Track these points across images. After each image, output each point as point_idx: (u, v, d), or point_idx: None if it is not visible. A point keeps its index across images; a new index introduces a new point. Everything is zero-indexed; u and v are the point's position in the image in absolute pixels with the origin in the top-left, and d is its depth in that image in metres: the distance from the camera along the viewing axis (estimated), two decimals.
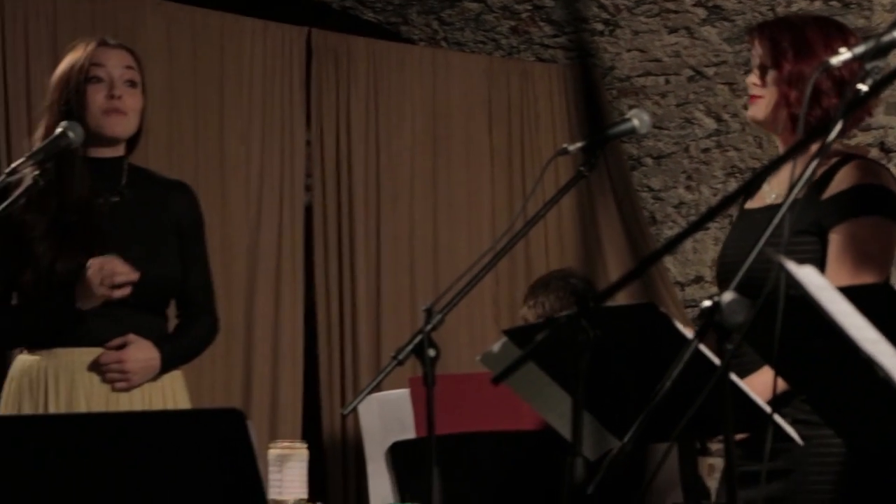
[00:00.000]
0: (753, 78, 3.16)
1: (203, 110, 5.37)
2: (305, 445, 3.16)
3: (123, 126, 3.54)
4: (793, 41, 3.09)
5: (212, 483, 2.52)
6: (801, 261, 1.89)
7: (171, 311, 3.68)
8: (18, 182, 3.28)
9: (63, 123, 3.41)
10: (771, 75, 3.12)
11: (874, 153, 5.71)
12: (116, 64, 3.55)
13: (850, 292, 1.84)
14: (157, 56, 5.20)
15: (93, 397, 3.48)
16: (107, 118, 3.52)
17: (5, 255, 3.52)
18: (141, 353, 3.48)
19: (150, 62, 5.13)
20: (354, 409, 2.80)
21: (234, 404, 5.12)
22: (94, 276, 3.40)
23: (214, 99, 5.40)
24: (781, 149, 3.19)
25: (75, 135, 3.39)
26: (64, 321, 3.47)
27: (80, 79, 3.51)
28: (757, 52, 3.15)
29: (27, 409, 3.47)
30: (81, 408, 3.45)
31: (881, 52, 2.23)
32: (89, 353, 3.48)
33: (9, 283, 3.54)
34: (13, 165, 3.30)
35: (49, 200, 3.48)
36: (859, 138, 5.71)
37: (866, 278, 3.00)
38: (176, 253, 3.59)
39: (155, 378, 3.53)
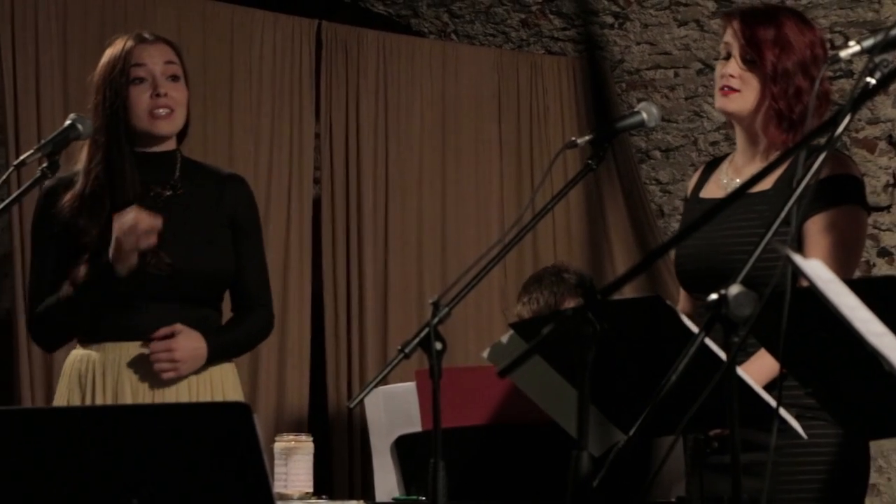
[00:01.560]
0: (732, 68, 3.13)
1: (212, 102, 5.36)
2: (311, 439, 3.16)
3: (171, 125, 3.53)
4: (775, 36, 3.09)
5: (218, 476, 2.52)
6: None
7: (226, 305, 3.66)
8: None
9: (71, 116, 3.41)
10: (753, 69, 3.11)
11: (882, 146, 5.69)
12: (157, 60, 3.52)
13: (856, 285, 1.83)
14: None
15: (139, 391, 3.48)
16: (154, 120, 3.51)
17: (58, 254, 3.52)
18: (189, 342, 3.47)
19: None
20: (361, 403, 2.80)
21: (240, 397, 5.12)
22: (117, 231, 3.38)
23: (224, 91, 5.39)
24: (742, 143, 3.20)
25: (84, 127, 3.39)
26: (116, 316, 3.46)
27: (122, 81, 3.49)
28: (736, 42, 3.13)
29: (76, 403, 3.47)
30: (128, 401, 3.45)
31: (890, 45, 2.22)
32: (137, 348, 3.48)
33: (60, 280, 3.52)
34: (22, 157, 3.31)
35: (102, 203, 3.48)
36: (867, 131, 5.70)
37: (844, 265, 3.02)
38: (230, 246, 3.57)
39: (201, 370, 3.51)
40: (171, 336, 3.46)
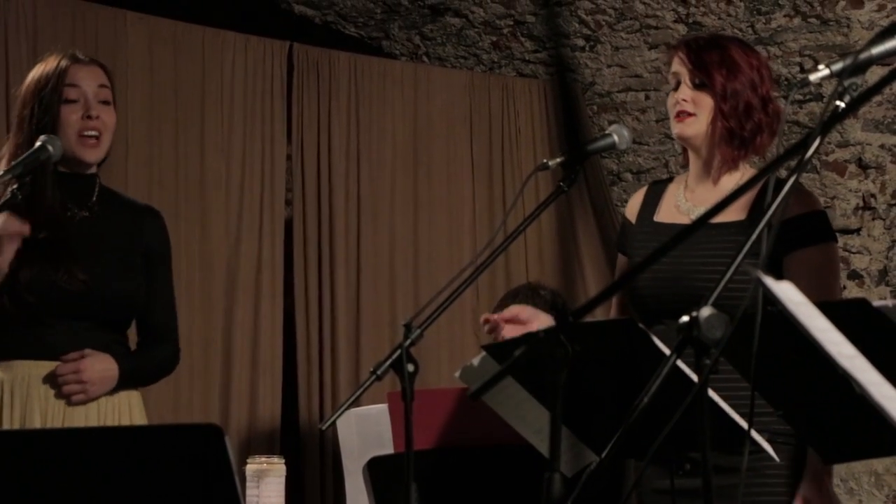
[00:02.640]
0: (685, 93, 3.20)
1: (184, 124, 5.35)
2: (283, 460, 3.14)
3: (97, 153, 3.52)
4: (721, 58, 3.17)
5: (189, 498, 2.51)
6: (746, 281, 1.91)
7: (132, 333, 3.64)
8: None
9: (42, 137, 3.39)
10: (704, 91, 3.17)
11: (852, 169, 5.72)
12: (91, 83, 3.51)
13: (827, 308, 1.84)
14: (138, 69, 5.19)
15: (48, 411, 3.44)
16: (81, 144, 3.49)
17: None
18: (99, 363, 3.44)
19: (130, 75, 5.13)
20: (333, 424, 2.79)
21: (212, 419, 5.10)
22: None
23: (195, 112, 5.39)
24: (696, 168, 3.24)
25: (54, 148, 3.37)
26: (24, 334, 3.43)
27: (54, 98, 3.47)
28: (684, 69, 3.21)
29: None
30: (36, 422, 3.41)
31: (859, 68, 2.24)
32: (46, 367, 3.45)
33: None
34: None
35: (20, 215, 3.45)
36: (837, 154, 5.73)
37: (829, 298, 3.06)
38: (142, 273, 3.56)
39: (112, 392, 3.49)
40: (80, 359, 3.44)
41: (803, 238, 3.11)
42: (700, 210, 3.19)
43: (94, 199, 3.56)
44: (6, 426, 3.41)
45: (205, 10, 5.77)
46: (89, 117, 3.48)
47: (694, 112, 3.19)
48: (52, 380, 3.45)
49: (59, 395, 3.45)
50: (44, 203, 3.46)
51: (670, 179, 3.37)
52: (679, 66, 3.22)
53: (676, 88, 3.23)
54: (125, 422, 3.49)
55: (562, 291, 5.83)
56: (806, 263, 3.10)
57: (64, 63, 3.52)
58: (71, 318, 3.44)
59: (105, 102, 3.52)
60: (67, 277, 3.43)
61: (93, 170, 3.58)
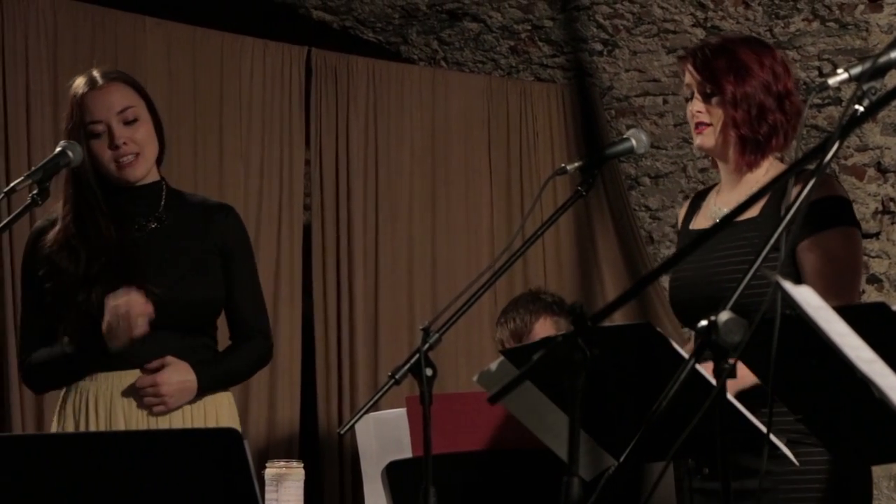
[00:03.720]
0: (698, 105, 3.19)
1: (202, 129, 5.37)
2: (302, 465, 3.15)
3: (137, 171, 3.51)
4: (728, 64, 3.15)
5: (209, 501, 2.52)
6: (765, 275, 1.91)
7: (223, 333, 3.64)
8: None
9: (62, 143, 3.41)
10: (715, 100, 3.16)
11: (871, 173, 5.71)
12: (110, 111, 3.49)
13: (846, 312, 1.84)
14: (157, 75, 5.20)
15: (132, 420, 3.46)
16: (119, 170, 3.50)
17: (44, 295, 3.52)
18: (176, 375, 3.45)
19: (149, 81, 5.14)
20: (351, 429, 2.80)
21: (236, 426, 5.11)
22: (110, 315, 3.39)
23: (214, 118, 5.40)
24: (725, 175, 3.23)
25: (74, 154, 3.39)
26: (103, 355, 3.45)
27: (81, 136, 3.48)
28: (694, 80, 3.20)
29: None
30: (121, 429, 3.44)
31: (878, 72, 2.24)
32: (129, 377, 3.47)
33: (52, 325, 3.53)
34: (12, 184, 3.31)
35: (77, 252, 3.47)
36: (856, 158, 5.72)
37: (843, 285, 3.04)
38: (218, 274, 3.55)
39: (195, 399, 3.50)
40: (161, 368, 3.45)
41: (820, 222, 3.04)
42: (725, 212, 3.18)
43: (162, 206, 3.56)
44: None
45: (223, 16, 5.79)
46: (116, 147, 3.49)
47: (710, 122, 3.18)
48: (134, 390, 3.46)
49: (142, 404, 3.47)
50: (99, 235, 3.47)
51: (711, 188, 3.37)
52: (689, 78, 3.22)
53: (691, 99, 3.23)
54: (211, 425, 3.48)
55: (579, 296, 5.85)
56: (821, 247, 3.05)
57: (81, 93, 3.51)
58: (151, 329, 3.43)
59: (131, 121, 3.51)
60: (141, 291, 3.44)
61: (154, 176, 3.57)
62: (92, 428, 3.45)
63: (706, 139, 3.19)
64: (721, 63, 3.16)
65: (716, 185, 3.36)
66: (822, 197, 3.07)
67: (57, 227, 3.51)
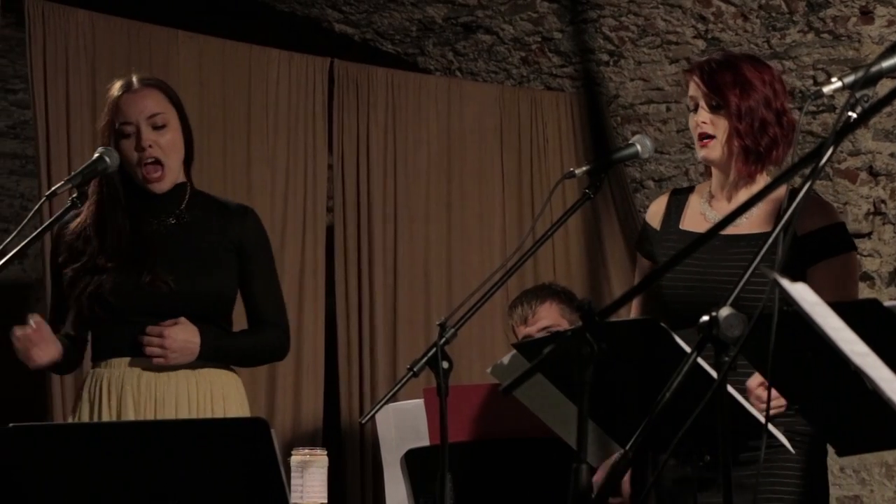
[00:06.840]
0: (703, 116, 3.18)
1: (231, 136, 5.37)
2: (325, 452, 3.15)
3: (163, 185, 3.51)
4: (734, 78, 3.15)
5: (237, 487, 2.52)
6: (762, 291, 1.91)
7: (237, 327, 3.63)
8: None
9: (100, 149, 3.43)
10: (720, 113, 3.16)
11: (863, 176, 5.69)
12: (140, 113, 3.48)
13: (840, 308, 1.83)
14: (189, 84, 5.21)
15: (140, 406, 3.45)
16: (145, 174, 3.49)
17: (63, 283, 3.53)
18: (183, 333, 3.42)
19: (181, 90, 5.13)
20: (372, 418, 2.80)
21: (258, 413, 5.12)
22: (17, 348, 3.40)
23: (242, 125, 5.41)
24: (723, 184, 3.23)
25: (111, 160, 3.40)
26: (121, 335, 3.45)
27: (112, 135, 3.49)
28: (699, 92, 3.19)
29: (85, 419, 3.46)
30: (129, 412, 3.43)
31: (870, 81, 2.23)
32: (140, 363, 3.46)
33: (63, 307, 3.55)
34: (53, 188, 3.34)
35: (93, 234, 3.48)
36: (849, 162, 5.70)
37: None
38: (232, 270, 3.52)
39: (195, 367, 3.46)
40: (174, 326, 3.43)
41: (827, 249, 3.12)
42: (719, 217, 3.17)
43: (184, 206, 3.55)
44: (105, 417, 3.43)
45: (251, 30, 5.80)
46: (142, 148, 3.48)
47: (714, 134, 3.18)
48: (142, 377, 3.45)
49: (151, 390, 3.44)
50: (116, 223, 3.47)
51: (691, 189, 3.35)
52: (695, 90, 3.21)
53: (695, 110, 3.22)
54: (218, 410, 3.46)
55: (587, 293, 5.84)
56: (831, 273, 3.11)
57: (116, 95, 3.52)
58: (161, 318, 3.43)
59: (160, 127, 3.50)
60: (151, 280, 3.43)
61: (180, 178, 3.56)
62: (104, 413, 3.44)
63: (712, 151, 3.18)
64: (727, 77, 3.15)
65: (693, 187, 3.35)
66: (826, 225, 3.13)
67: (79, 219, 3.52)
